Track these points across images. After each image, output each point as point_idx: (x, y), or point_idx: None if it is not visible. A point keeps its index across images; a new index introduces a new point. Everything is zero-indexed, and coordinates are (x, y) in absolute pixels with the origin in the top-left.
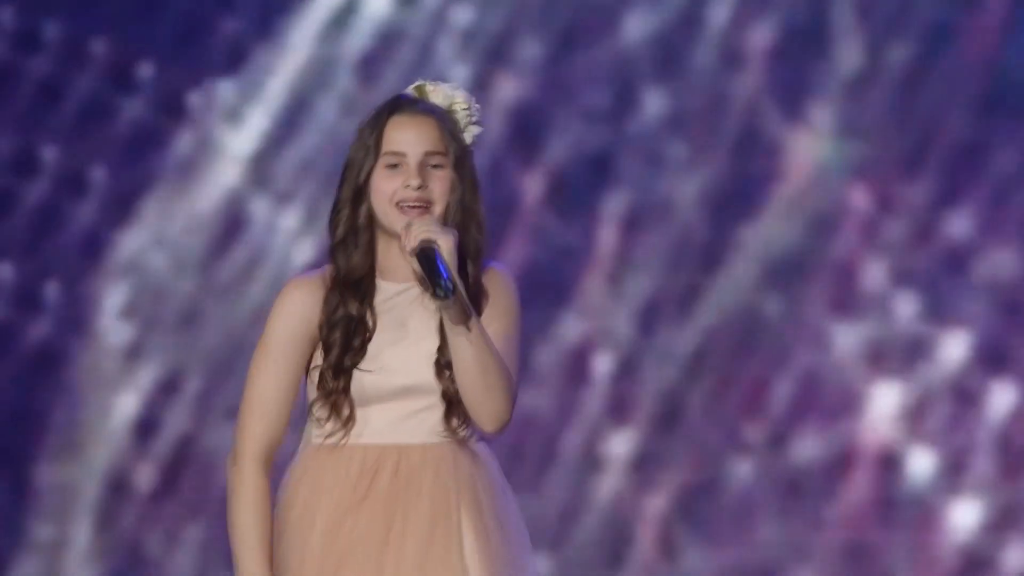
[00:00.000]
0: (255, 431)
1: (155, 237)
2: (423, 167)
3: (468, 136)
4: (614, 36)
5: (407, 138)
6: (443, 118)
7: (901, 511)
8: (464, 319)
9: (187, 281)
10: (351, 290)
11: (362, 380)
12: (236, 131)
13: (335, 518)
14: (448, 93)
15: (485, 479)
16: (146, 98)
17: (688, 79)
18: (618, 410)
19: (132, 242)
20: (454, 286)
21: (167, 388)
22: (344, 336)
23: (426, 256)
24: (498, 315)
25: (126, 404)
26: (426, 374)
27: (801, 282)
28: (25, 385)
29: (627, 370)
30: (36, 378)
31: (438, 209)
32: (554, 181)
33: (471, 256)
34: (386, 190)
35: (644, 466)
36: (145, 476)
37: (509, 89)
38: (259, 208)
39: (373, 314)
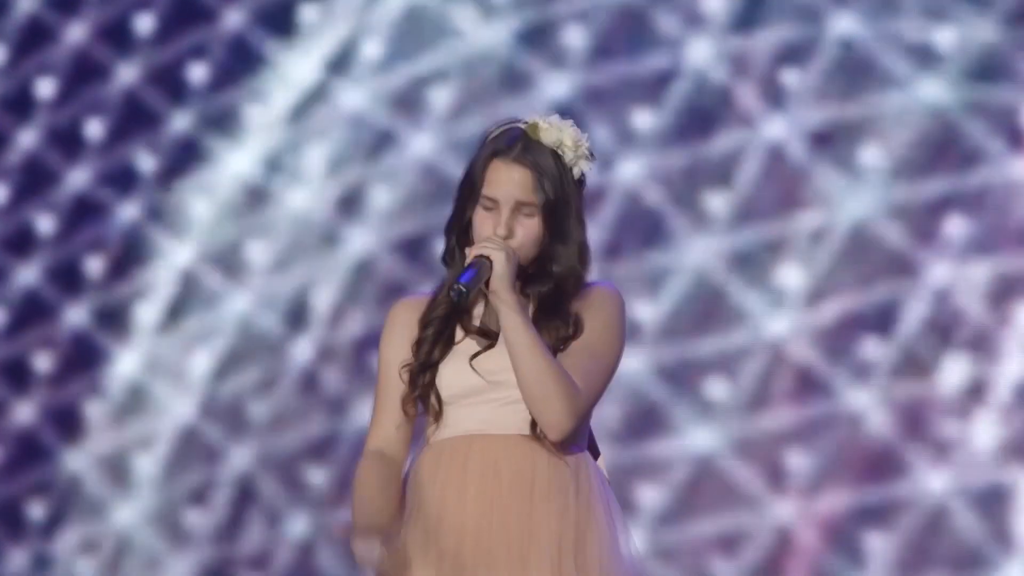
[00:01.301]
0: (373, 442)
1: None
2: (514, 215)
3: (577, 172)
4: None
5: (500, 187)
6: (540, 167)
7: None
8: (514, 332)
9: None
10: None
11: (447, 376)
12: None
13: (431, 513)
14: (558, 131)
15: (561, 479)
16: None
17: None
18: None
19: None
20: (464, 293)
21: None
22: (436, 333)
23: (472, 265)
24: (584, 327)
25: None
26: (507, 374)
27: None
28: None
29: None
30: None
31: (521, 254)
32: None
33: (569, 299)
34: (481, 230)
35: None
36: None
37: None
38: None
39: (466, 319)
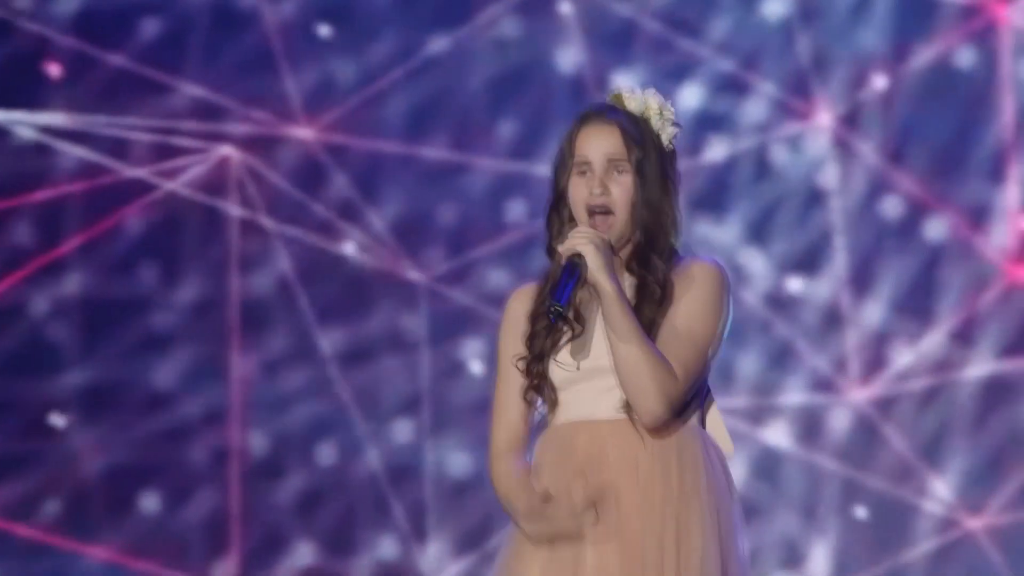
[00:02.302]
0: (498, 434)
1: None
2: (607, 173)
3: (665, 138)
4: None
5: (592, 146)
6: (627, 126)
7: None
8: (612, 321)
9: None
10: None
11: (557, 365)
12: None
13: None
14: (641, 99)
15: (664, 461)
16: None
17: None
18: None
19: None
20: (560, 313)
21: None
22: (545, 327)
23: (567, 269)
24: (680, 305)
25: None
26: (603, 360)
27: None
28: None
29: None
30: None
31: (620, 214)
32: None
33: (659, 253)
34: (577, 197)
35: None
36: None
37: None
38: None
39: (574, 309)
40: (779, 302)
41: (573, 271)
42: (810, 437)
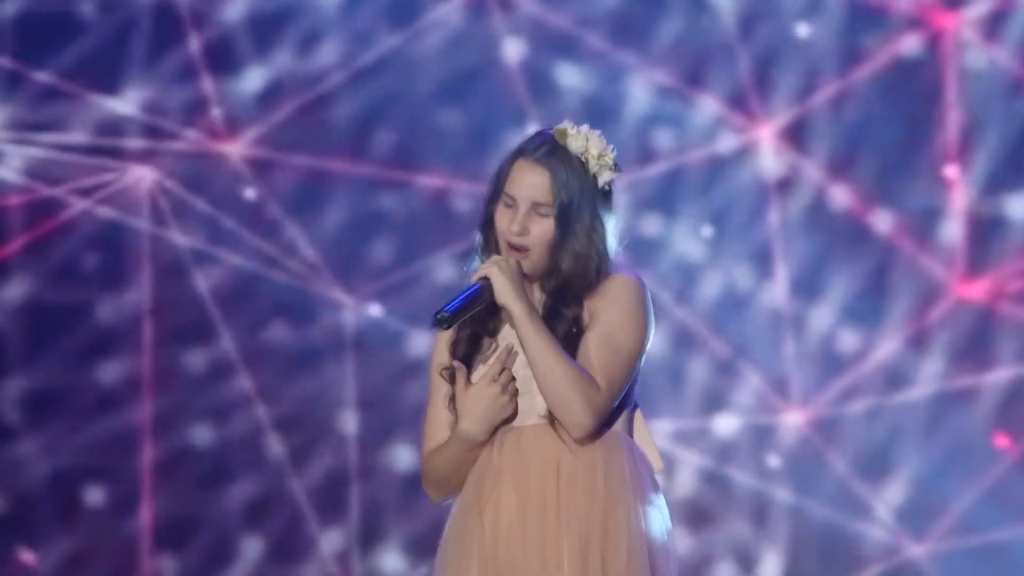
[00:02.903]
0: (428, 444)
1: None
2: (528, 215)
3: (601, 181)
4: None
5: (520, 185)
6: (558, 172)
7: None
8: (528, 340)
9: None
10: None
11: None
12: None
13: (468, 494)
14: (583, 140)
15: (590, 461)
16: None
17: None
18: None
19: None
20: (446, 320)
21: None
22: (469, 335)
23: (469, 287)
24: (599, 320)
25: None
26: (525, 369)
27: None
28: None
29: None
30: None
31: (535, 251)
32: None
33: (572, 302)
34: (500, 227)
35: None
36: None
37: None
38: None
39: (491, 329)
40: (722, 315)
41: (478, 289)
42: (751, 457)
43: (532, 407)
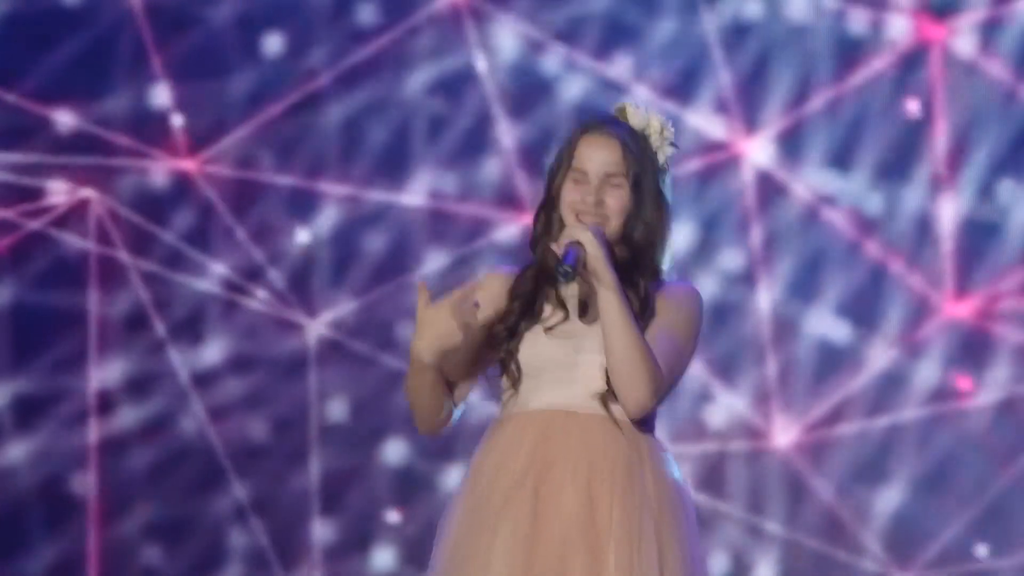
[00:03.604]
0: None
1: None
2: (603, 185)
3: (661, 156)
4: None
5: (592, 157)
6: (628, 141)
7: None
8: (610, 309)
9: None
10: (541, 276)
11: (526, 348)
12: None
13: (490, 477)
14: (644, 116)
15: (637, 459)
16: None
17: None
18: None
19: None
20: (571, 274)
21: None
22: (523, 305)
23: (568, 252)
24: (662, 316)
25: None
26: (581, 355)
27: None
28: None
29: None
30: None
31: (613, 223)
32: None
33: (642, 271)
34: (569, 200)
35: None
36: None
37: None
38: None
39: (554, 297)
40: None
41: (576, 252)
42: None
43: (582, 391)
